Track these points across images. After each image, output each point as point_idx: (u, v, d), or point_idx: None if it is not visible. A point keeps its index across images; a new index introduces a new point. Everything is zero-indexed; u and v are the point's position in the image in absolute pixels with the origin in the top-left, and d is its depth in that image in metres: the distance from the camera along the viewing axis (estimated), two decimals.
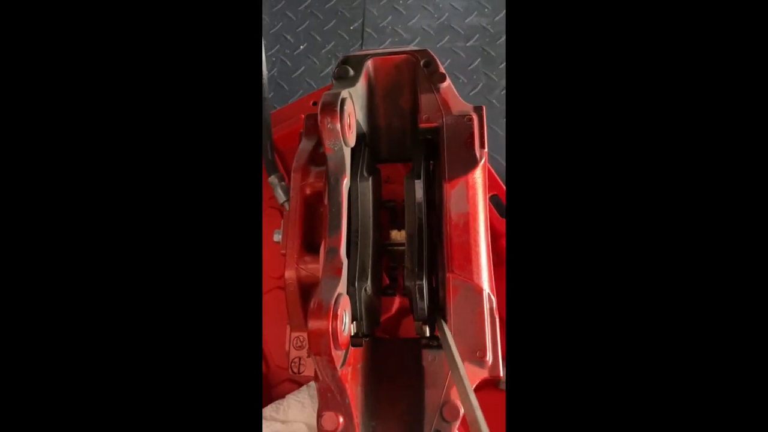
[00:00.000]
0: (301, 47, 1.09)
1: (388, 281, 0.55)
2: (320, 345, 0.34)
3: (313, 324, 0.34)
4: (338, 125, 0.39)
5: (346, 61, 0.50)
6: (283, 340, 0.57)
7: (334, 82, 0.48)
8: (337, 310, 0.35)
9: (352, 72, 0.49)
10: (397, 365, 0.46)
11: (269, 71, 1.08)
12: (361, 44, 1.07)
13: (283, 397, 0.52)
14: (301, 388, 0.51)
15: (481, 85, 1.03)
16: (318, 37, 1.09)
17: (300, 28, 1.10)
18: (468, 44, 1.06)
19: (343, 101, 0.40)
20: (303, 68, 1.07)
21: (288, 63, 1.08)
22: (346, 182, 0.42)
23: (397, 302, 0.57)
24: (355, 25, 1.08)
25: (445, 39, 1.07)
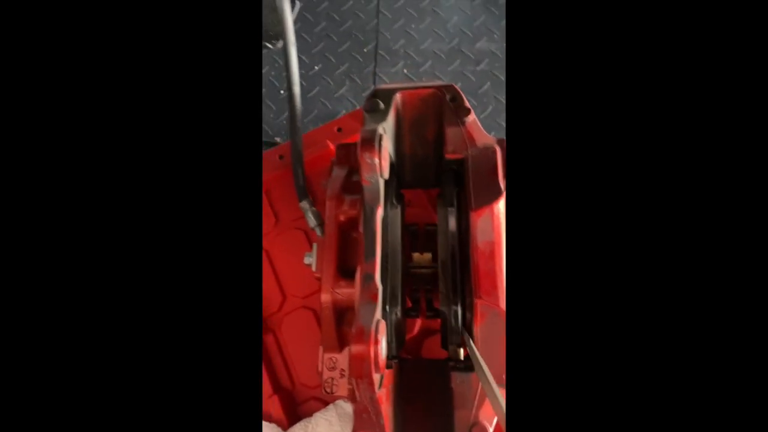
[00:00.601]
0: (316, 68, 1.12)
1: (410, 303, 0.57)
2: (362, 368, 0.37)
3: (356, 349, 0.37)
4: (377, 160, 0.42)
5: (376, 95, 0.52)
6: (308, 359, 0.59)
7: (366, 115, 0.50)
8: (377, 336, 0.37)
9: (382, 105, 0.51)
10: (422, 385, 0.48)
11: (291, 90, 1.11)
12: (375, 66, 1.10)
13: (309, 415, 0.54)
14: (328, 407, 0.53)
15: (490, 108, 1.06)
16: (332, 59, 1.12)
17: (315, 50, 1.13)
18: (478, 68, 1.09)
19: (380, 137, 0.43)
20: (318, 89, 1.10)
21: (303, 83, 1.11)
22: (380, 212, 0.45)
23: (418, 323, 0.59)
24: (369, 47, 1.12)
25: (456, 63, 1.10)
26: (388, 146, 0.46)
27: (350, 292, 0.46)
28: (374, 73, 1.11)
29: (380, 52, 1.11)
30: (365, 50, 1.12)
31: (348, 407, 0.52)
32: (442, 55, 1.10)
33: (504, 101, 1.06)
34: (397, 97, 0.53)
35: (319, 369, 0.47)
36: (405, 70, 1.11)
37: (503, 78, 1.07)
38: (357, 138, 0.68)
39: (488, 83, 1.09)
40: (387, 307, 0.45)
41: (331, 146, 0.67)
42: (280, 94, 1.11)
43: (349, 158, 0.54)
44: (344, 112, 1.09)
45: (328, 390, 0.46)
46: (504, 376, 0.43)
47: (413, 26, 1.13)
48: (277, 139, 1.03)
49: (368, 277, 0.43)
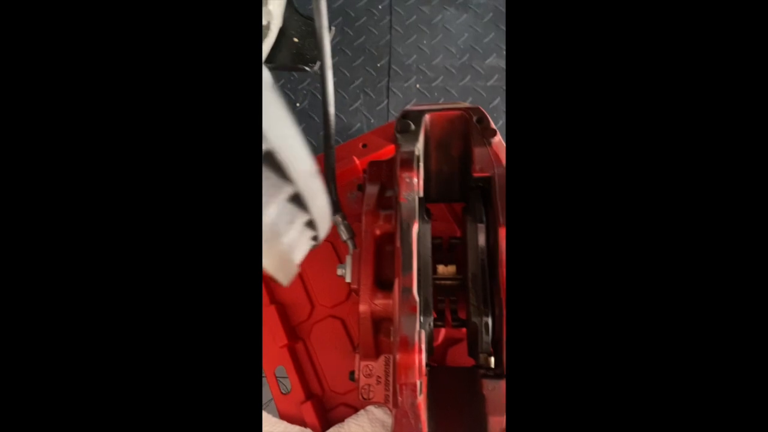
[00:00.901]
0: None
1: (435, 314, 0.60)
2: (408, 375, 0.39)
3: (402, 357, 0.39)
4: (415, 179, 0.45)
5: (406, 116, 0.55)
6: (337, 367, 0.62)
7: (398, 135, 0.53)
8: (421, 345, 0.40)
9: (413, 126, 0.54)
10: (453, 392, 0.50)
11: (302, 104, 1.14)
12: (388, 81, 1.13)
13: (339, 420, 0.57)
14: (359, 413, 0.56)
15: (501, 122, 1.10)
16: (347, 73, 1.16)
17: None
18: (488, 84, 1.13)
19: (418, 159, 0.46)
20: None
21: (318, 96, 1.14)
22: (416, 227, 0.48)
23: (443, 333, 0.62)
24: (382, 62, 1.15)
25: (467, 78, 1.14)
26: (422, 166, 0.49)
27: (387, 303, 0.49)
28: (387, 88, 1.15)
29: (393, 67, 1.14)
30: (378, 65, 1.15)
31: (378, 412, 0.54)
32: (453, 71, 1.14)
33: None
34: (427, 119, 0.56)
35: (357, 376, 0.50)
36: (417, 85, 1.15)
37: None
38: (384, 155, 0.71)
39: (498, 98, 1.12)
40: (422, 318, 0.48)
41: (357, 161, 0.70)
42: (296, 107, 1.14)
43: (381, 175, 0.56)
44: (359, 125, 1.12)
45: (365, 396, 0.49)
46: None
47: (425, 42, 1.16)
48: None
49: (407, 291, 0.45)
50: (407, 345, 0.39)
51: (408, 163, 0.45)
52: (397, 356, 0.39)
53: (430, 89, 1.11)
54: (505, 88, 1.14)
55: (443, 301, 0.59)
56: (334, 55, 1.20)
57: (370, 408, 0.55)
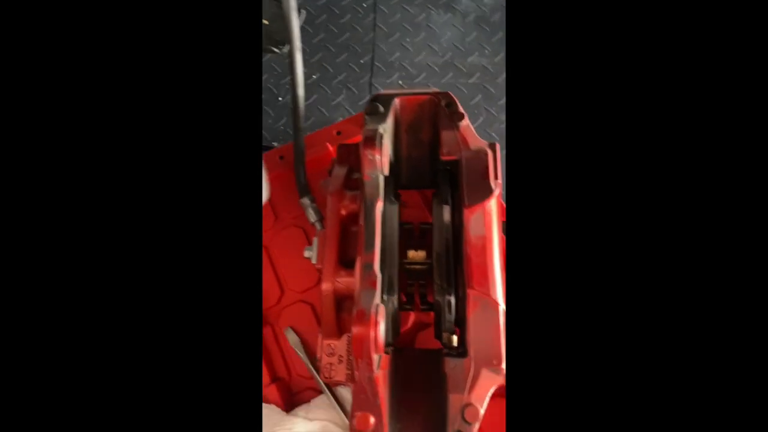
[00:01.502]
0: (314, 77, 1.16)
1: (404, 298, 0.60)
2: (362, 348, 0.39)
3: (357, 329, 0.39)
4: (378, 157, 0.45)
5: (376, 99, 0.56)
6: (305, 351, 0.61)
7: (366, 117, 0.54)
8: (377, 318, 0.40)
9: (382, 109, 0.55)
10: (418, 372, 0.50)
11: (283, 98, 1.14)
12: (371, 77, 1.14)
13: (306, 402, 0.56)
14: (321, 396, 0.55)
15: (481, 119, 1.11)
16: (330, 69, 1.16)
17: (313, 60, 1.17)
18: (470, 81, 1.14)
19: (381, 136, 0.46)
20: (315, 96, 1.14)
21: None
22: (380, 206, 0.48)
23: (412, 317, 0.62)
24: (365, 59, 1.16)
25: (449, 75, 1.15)
26: (387, 145, 0.49)
27: (350, 281, 0.49)
28: (370, 84, 1.15)
29: (376, 63, 1.15)
30: (362, 61, 1.16)
31: (346, 393, 0.54)
32: (436, 68, 1.15)
33: (494, 113, 1.11)
34: (396, 102, 0.56)
35: (318, 355, 0.49)
36: (400, 82, 1.15)
37: (494, 91, 1.12)
38: (357, 140, 0.71)
39: (479, 95, 1.14)
40: (384, 296, 0.48)
41: (331, 148, 0.70)
42: (278, 101, 1.14)
43: (350, 158, 0.57)
44: (341, 119, 1.13)
45: (327, 375, 0.49)
46: (495, 361, 0.46)
47: (408, 40, 1.18)
48: (275, 144, 1.05)
49: (368, 266, 0.45)
50: (363, 318, 0.39)
51: (371, 140, 0.45)
52: (353, 329, 0.39)
53: (413, 86, 1.12)
54: (485, 85, 1.15)
55: (413, 285, 0.59)
56: (317, 51, 1.20)
57: (338, 389, 0.55)
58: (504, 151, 0.99)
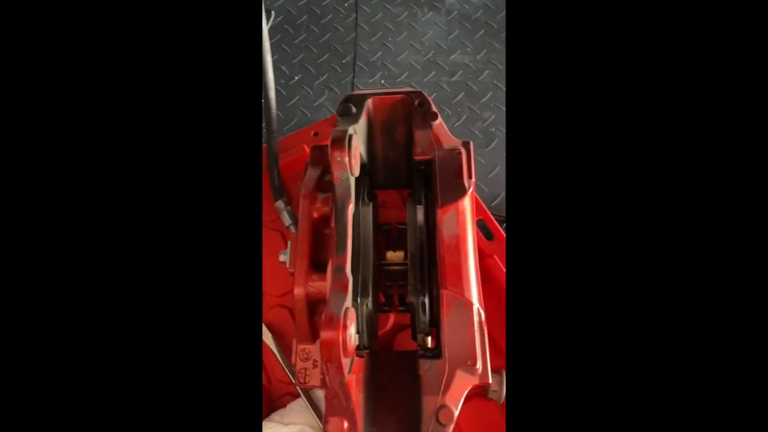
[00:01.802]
0: (296, 78, 1.15)
1: (383, 299, 0.59)
2: (331, 353, 0.39)
3: (325, 334, 0.39)
4: (347, 158, 0.45)
5: (348, 100, 0.55)
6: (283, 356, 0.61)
7: (339, 118, 0.53)
8: (346, 322, 0.39)
9: (354, 109, 0.54)
10: (393, 376, 0.50)
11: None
12: (353, 77, 1.14)
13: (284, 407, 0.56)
14: (298, 399, 0.55)
15: (464, 117, 1.10)
16: (312, 69, 1.15)
17: (295, 60, 1.16)
18: (452, 79, 1.14)
19: (350, 137, 0.45)
20: (297, 98, 1.13)
21: (283, 92, 1.14)
22: (351, 207, 0.47)
23: (391, 319, 0.62)
24: (347, 59, 1.16)
25: (431, 74, 1.15)
26: (359, 146, 0.49)
27: (322, 285, 0.48)
28: (353, 84, 1.15)
29: (358, 63, 1.15)
30: (344, 62, 1.15)
31: (322, 395, 0.53)
32: (418, 67, 1.14)
33: (477, 110, 1.10)
34: (369, 102, 0.56)
35: (293, 360, 0.49)
36: (382, 81, 1.15)
37: (476, 89, 1.12)
38: None
39: (462, 93, 1.13)
40: (358, 299, 0.47)
41: (307, 149, 0.69)
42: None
43: (323, 159, 0.56)
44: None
45: (302, 380, 0.48)
46: (470, 362, 0.45)
47: (390, 39, 1.17)
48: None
49: (339, 269, 0.45)
50: (331, 322, 0.39)
51: (338, 141, 0.44)
52: (321, 333, 0.38)
53: (395, 85, 1.12)
54: (467, 83, 1.15)
55: (392, 286, 0.59)
56: (299, 52, 1.20)
57: (314, 392, 0.54)
58: (503, 151, 0.99)
